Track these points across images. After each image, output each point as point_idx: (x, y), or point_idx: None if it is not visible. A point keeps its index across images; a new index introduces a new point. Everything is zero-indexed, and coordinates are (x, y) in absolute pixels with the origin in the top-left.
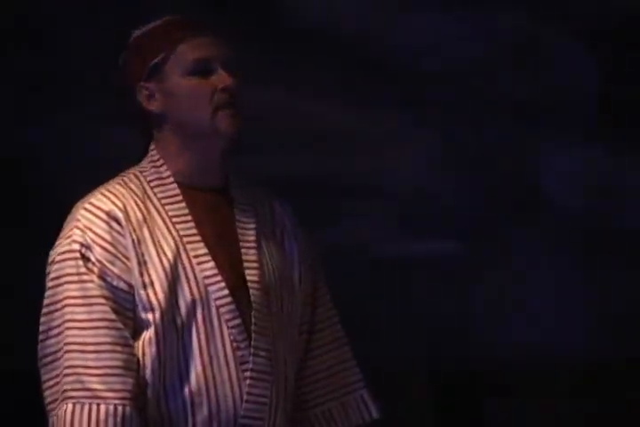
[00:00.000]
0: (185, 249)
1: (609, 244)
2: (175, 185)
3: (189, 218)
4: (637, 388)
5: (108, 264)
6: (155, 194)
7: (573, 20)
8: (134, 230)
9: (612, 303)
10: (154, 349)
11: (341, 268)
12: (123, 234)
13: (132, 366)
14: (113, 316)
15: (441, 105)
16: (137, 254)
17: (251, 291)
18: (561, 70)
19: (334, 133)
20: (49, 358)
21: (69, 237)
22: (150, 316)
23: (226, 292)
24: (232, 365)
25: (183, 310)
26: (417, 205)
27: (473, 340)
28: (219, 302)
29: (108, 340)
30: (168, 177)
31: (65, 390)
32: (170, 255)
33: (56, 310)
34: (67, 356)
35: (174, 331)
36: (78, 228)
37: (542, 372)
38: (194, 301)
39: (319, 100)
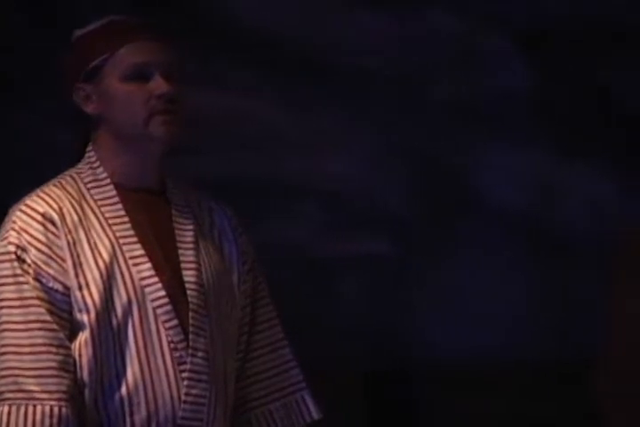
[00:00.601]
0: (121, 250)
1: (547, 244)
2: (112, 186)
3: (126, 219)
4: (584, 389)
5: (43, 266)
6: (91, 195)
7: (513, 22)
8: (70, 232)
9: (551, 304)
10: (90, 350)
11: (276, 268)
12: (58, 235)
13: (67, 367)
14: (48, 317)
15: (377, 105)
16: (72, 256)
17: (188, 291)
18: (499, 71)
19: (269, 133)
20: None
21: (5, 238)
22: (86, 317)
23: (162, 293)
24: (170, 365)
25: (119, 311)
26: (353, 205)
27: (409, 340)
28: (155, 303)
29: (43, 341)
30: (105, 178)
31: (1, 392)
32: (106, 257)
33: None
34: (3, 358)
35: (110, 332)
36: (14, 229)
37: (481, 372)
38: (130, 302)
39: (255, 99)
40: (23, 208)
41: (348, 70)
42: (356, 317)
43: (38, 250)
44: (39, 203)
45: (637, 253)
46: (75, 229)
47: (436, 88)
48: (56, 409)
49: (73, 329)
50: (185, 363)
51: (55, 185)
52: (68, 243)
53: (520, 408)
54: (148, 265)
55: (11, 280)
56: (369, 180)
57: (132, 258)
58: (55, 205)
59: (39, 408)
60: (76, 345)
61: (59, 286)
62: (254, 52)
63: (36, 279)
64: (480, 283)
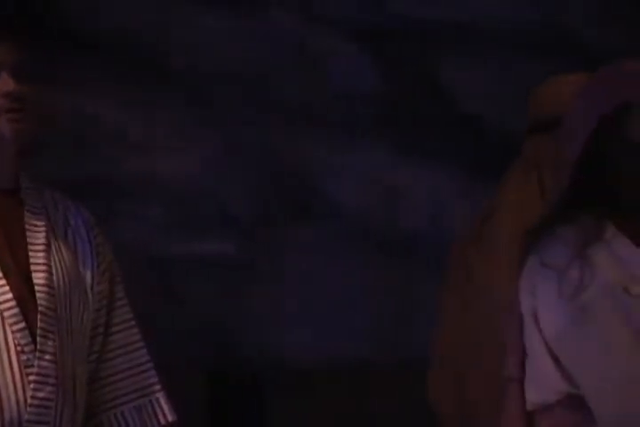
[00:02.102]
0: None
1: (390, 245)
2: None
3: None
4: (420, 388)
5: None
6: None
7: (351, 22)
8: None
9: (394, 304)
10: None
11: (120, 269)
12: None
13: None
14: None
15: (220, 106)
16: None
17: (37, 294)
18: (341, 71)
19: (110, 133)
20: None
21: None
22: None
23: (9, 296)
24: (16, 368)
25: None
26: (197, 206)
27: (252, 340)
28: (2, 306)
29: None
30: None
31: None
32: None
33: None
34: None
35: None
36: None
37: (325, 372)
38: None
39: (96, 100)
40: None
41: (190, 70)
42: (200, 318)
43: None
44: None
45: (463, 253)
46: None
47: (278, 89)
48: None
49: None
50: (32, 366)
51: None
52: None
53: (358, 408)
54: None
55: None
56: (212, 181)
57: None
58: None
59: None
60: None
61: None
62: (97, 52)
63: None
64: (323, 284)
